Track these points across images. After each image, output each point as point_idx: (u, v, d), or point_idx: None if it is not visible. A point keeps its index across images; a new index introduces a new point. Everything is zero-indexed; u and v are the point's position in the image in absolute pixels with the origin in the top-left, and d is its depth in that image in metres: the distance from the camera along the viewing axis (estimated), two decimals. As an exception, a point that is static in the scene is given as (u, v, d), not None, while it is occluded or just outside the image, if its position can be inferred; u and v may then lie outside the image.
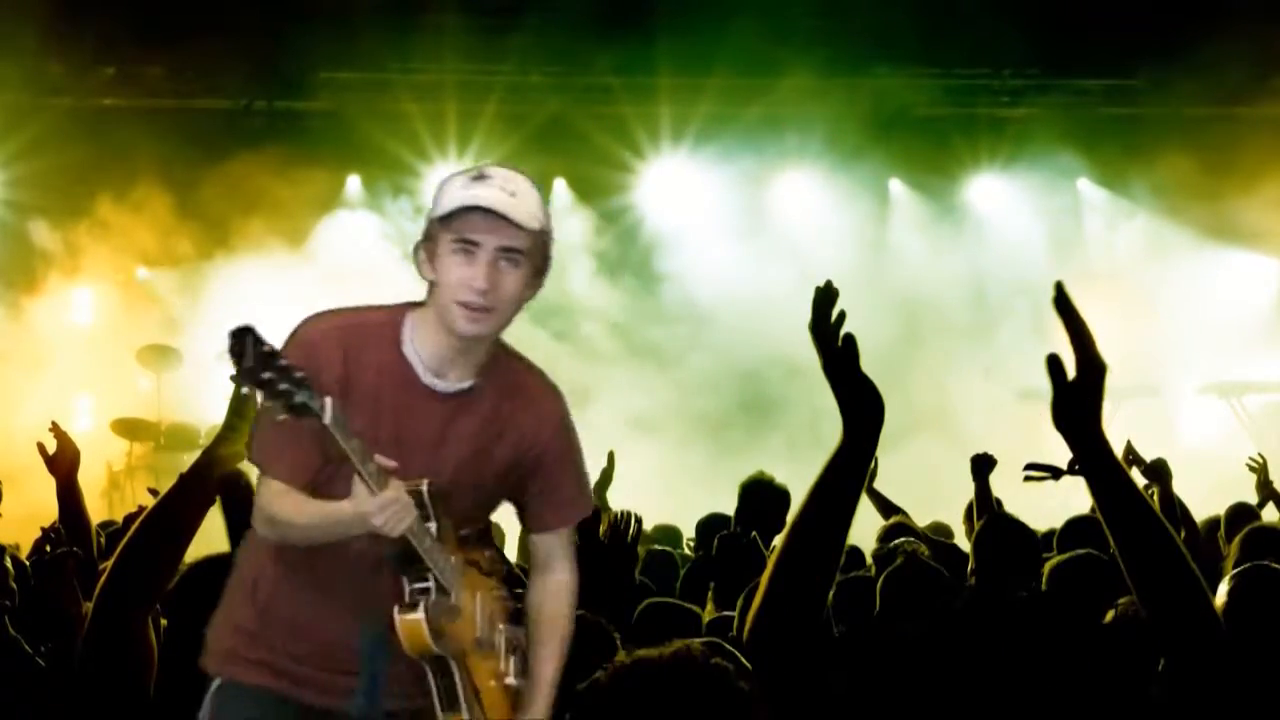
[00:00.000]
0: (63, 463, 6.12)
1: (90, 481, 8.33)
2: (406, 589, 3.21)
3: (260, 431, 3.32)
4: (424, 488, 3.20)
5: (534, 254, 3.28)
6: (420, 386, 3.31)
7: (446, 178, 3.32)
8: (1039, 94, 15.04)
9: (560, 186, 15.25)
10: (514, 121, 13.84)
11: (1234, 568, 4.43)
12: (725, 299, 14.72)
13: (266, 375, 2.85)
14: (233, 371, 2.91)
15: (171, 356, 14.33)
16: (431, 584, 3.20)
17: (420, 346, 3.32)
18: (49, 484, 6.18)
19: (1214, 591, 3.66)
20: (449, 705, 3.24)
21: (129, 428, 14.07)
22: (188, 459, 5.07)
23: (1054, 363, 3.24)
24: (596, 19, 12.65)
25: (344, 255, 14.44)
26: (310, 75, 14.51)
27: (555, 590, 3.56)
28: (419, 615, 3.18)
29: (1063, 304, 3.23)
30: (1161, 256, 15.05)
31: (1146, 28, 13.40)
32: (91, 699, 4.06)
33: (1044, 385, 3.25)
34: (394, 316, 3.36)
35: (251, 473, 3.82)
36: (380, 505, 3.06)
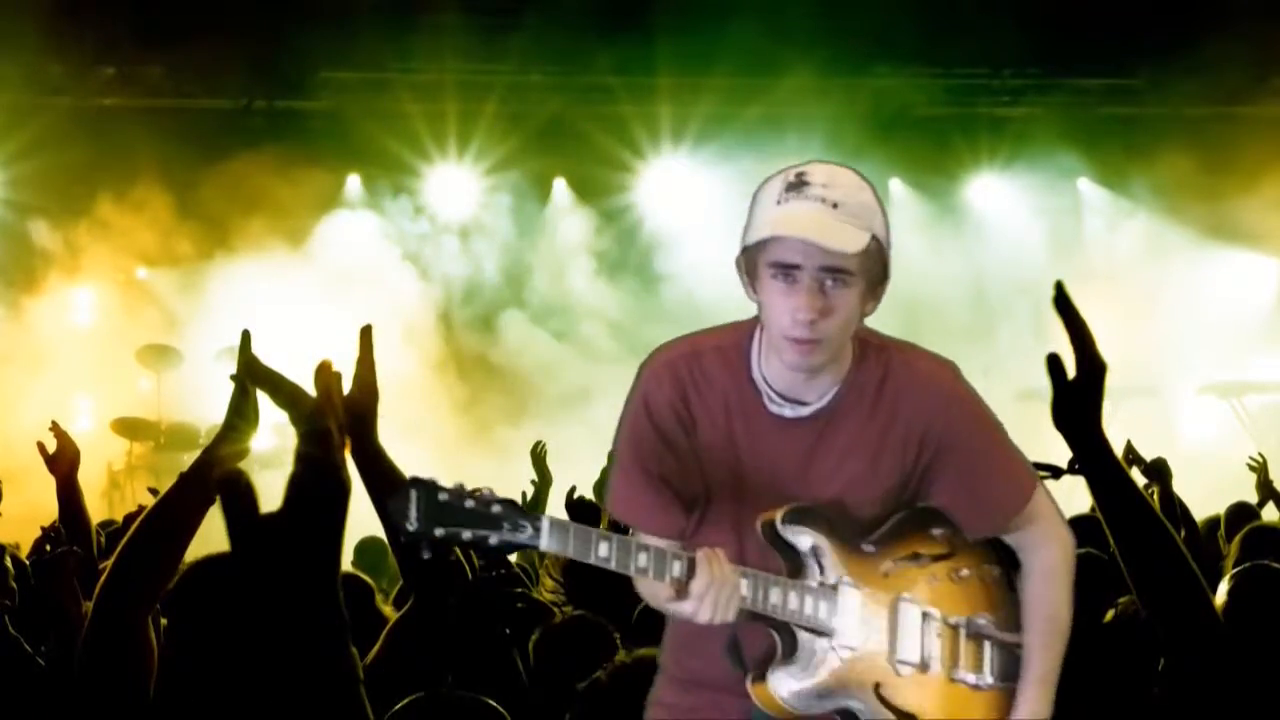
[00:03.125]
0: (63, 462, 6.12)
1: (90, 481, 8.33)
2: (748, 656, 2.86)
3: (617, 486, 3.05)
4: (777, 518, 2.81)
5: (867, 267, 2.80)
6: (770, 416, 2.90)
7: (763, 183, 2.92)
8: (1039, 94, 15.05)
9: (560, 186, 15.25)
10: (514, 121, 13.84)
11: (1234, 567, 4.43)
12: (725, 299, 14.63)
13: (441, 533, 2.55)
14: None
15: (171, 356, 14.33)
16: (779, 641, 2.81)
17: (768, 371, 2.91)
18: (49, 484, 6.18)
19: (1214, 591, 3.66)
20: None
21: (129, 428, 14.07)
22: (188, 459, 5.08)
23: (1054, 362, 3.24)
24: (596, 19, 12.65)
25: (344, 255, 14.43)
26: (310, 75, 14.51)
27: (1033, 572, 3.02)
28: (766, 685, 2.80)
29: (1063, 304, 3.23)
30: (1161, 256, 15.05)
31: (1146, 28, 13.40)
32: (91, 699, 4.05)
33: (1044, 385, 3.25)
34: (740, 338, 3.00)
35: (251, 472, 3.82)
36: (696, 600, 2.68)
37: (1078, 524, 6.03)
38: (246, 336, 4.05)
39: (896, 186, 15.66)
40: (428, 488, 2.60)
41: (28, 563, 5.81)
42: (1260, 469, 8.45)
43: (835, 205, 2.77)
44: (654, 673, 3.17)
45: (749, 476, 2.89)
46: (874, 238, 2.79)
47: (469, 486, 2.63)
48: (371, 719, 3.65)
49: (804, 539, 2.83)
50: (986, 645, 2.95)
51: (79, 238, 14.41)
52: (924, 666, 2.89)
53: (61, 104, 13.81)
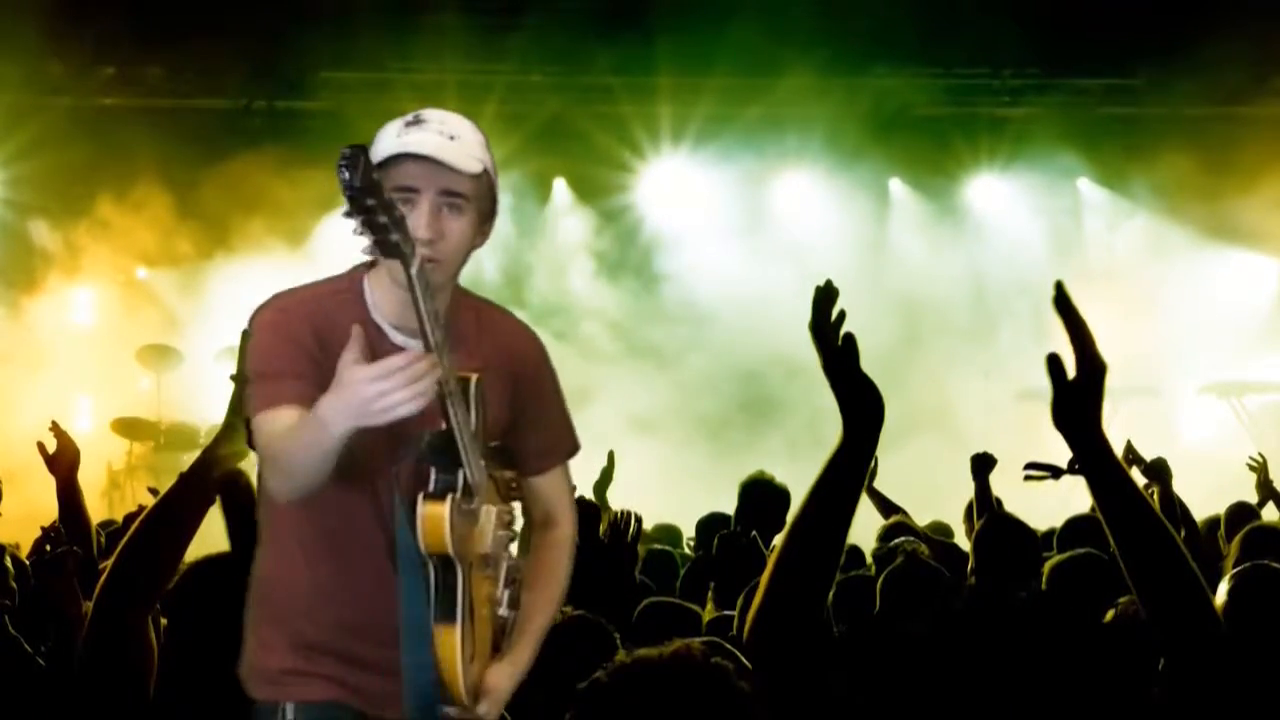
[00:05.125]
0: (63, 462, 6.12)
1: (90, 481, 8.34)
2: (434, 478, 2.98)
3: (262, 355, 3.11)
4: (473, 378, 3.04)
5: (478, 198, 3.11)
6: (392, 348, 3.08)
7: (384, 126, 3.11)
8: (1039, 94, 15.04)
9: (560, 186, 15.26)
10: (514, 121, 13.83)
11: (1234, 567, 4.43)
12: (725, 299, 14.72)
13: (371, 202, 2.66)
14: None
15: (171, 356, 14.33)
16: (460, 480, 2.99)
17: (382, 306, 3.17)
18: (49, 484, 6.18)
19: (1214, 591, 3.66)
20: (445, 614, 2.99)
21: (129, 428, 14.08)
22: (188, 459, 5.07)
23: (1054, 362, 3.24)
24: (596, 19, 12.65)
25: (344, 255, 14.37)
26: (310, 75, 14.51)
27: (555, 542, 3.43)
28: (444, 507, 2.94)
29: (1063, 304, 3.23)
30: (1161, 256, 15.06)
31: (1146, 28, 13.39)
32: (91, 699, 4.06)
33: (1044, 385, 3.25)
34: (352, 283, 3.22)
35: (252, 472, 3.82)
36: (433, 361, 2.81)
37: (1078, 524, 6.05)
38: (246, 337, 4.05)
39: (896, 186, 15.68)
40: (369, 160, 2.70)
41: (28, 563, 5.81)
42: (1260, 469, 8.45)
43: (452, 138, 3.05)
44: (654, 672, 3.16)
45: None
46: (485, 171, 3.11)
47: None
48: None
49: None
50: (513, 584, 3.28)
51: (79, 238, 14.42)
52: (495, 581, 3.21)
53: (61, 104, 13.80)
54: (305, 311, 3.14)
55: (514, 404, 3.29)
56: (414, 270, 2.79)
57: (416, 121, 3.06)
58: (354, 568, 3.16)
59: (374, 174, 2.68)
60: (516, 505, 3.34)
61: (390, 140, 3.04)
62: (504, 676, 3.22)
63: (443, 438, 2.96)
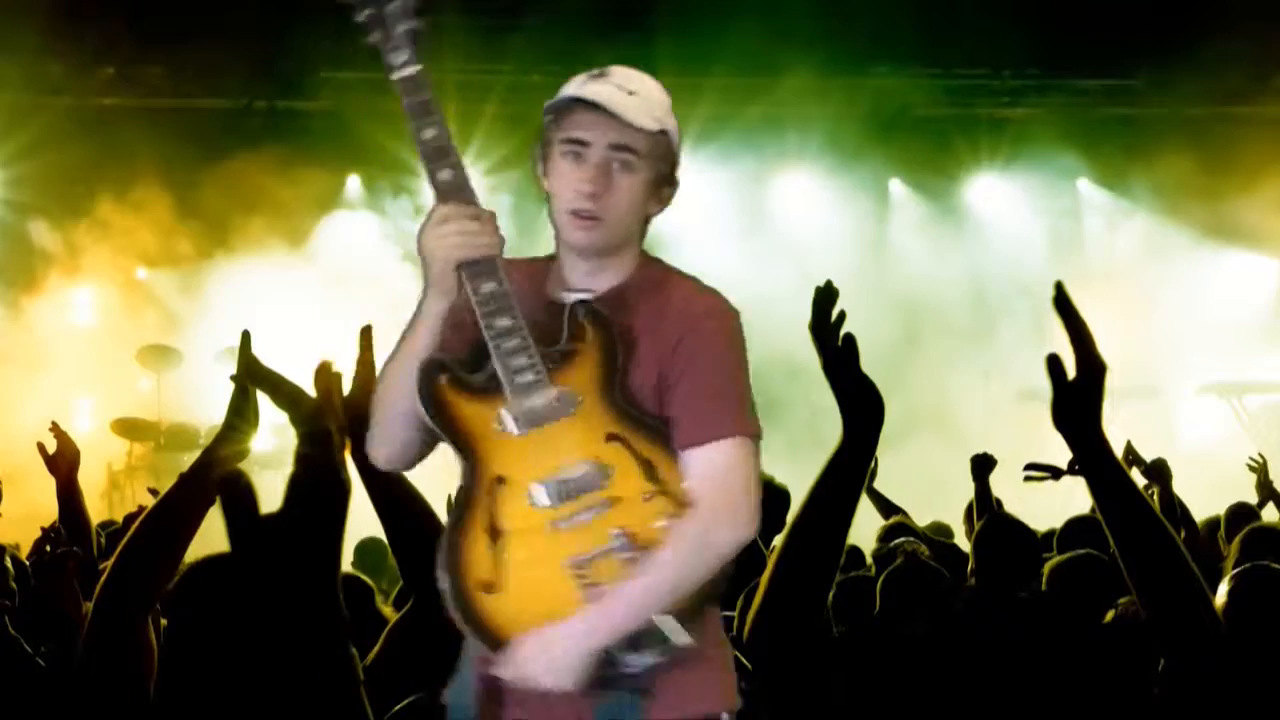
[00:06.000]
0: (63, 463, 6.12)
1: (90, 481, 8.34)
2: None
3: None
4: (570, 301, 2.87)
5: (654, 158, 2.92)
6: (549, 299, 2.94)
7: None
8: (1039, 94, 15.04)
9: (560, 186, 15.23)
10: (514, 121, 13.81)
11: (1234, 568, 4.43)
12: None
13: None
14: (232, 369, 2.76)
15: (171, 356, 14.32)
16: (528, 364, 2.78)
17: (562, 263, 3.01)
18: (49, 484, 6.18)
19: (1214, 591, 3.66)
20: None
21: (129, 428, 14.07)
22: (188, 459, 5.08)
23: (1054, 363, 3.24)
24: (596, 19, 12.63)
25: (344, 255, 14.43)
26: (310, 75, 14.49)
27: (674, 527, 2.82)
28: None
29: (1063, 304, 3.24)
30: (1161, 256, 15.06)
31: (1146, 28, 13.40)
32: (91, 699, 4.05)
33: (1044, 386, 3.25)
34: (542, 262, 3.08)
35: (251, 473, 3.82)
36: (448, 213, 2.82)
37: (1078, 524, 6.06)
38: (246, 337, 4.05)
39: (896, 186, 15.67)
40: None
41: (28, 563, 5.81)
42: (1260, 469, 8.44)
43: (631, 93, 2.92)
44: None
45: None
46: (664, 132, 2.93)
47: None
48: (371, 719, 3.65)
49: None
50: (621, 564, 2.78)
51: (79, 238, 14.41)
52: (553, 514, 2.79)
53: (61, 104, 13.79)
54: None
55: (666, 371, 2.88)
56: (399, 76, 2.83)
57: (600, 75, 2.96)
58: None
59: None
60: (636, 480, 2.84)
61: (568, 89, 2.96)
62: (543, 632, 2.75)
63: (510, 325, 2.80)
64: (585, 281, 2.94)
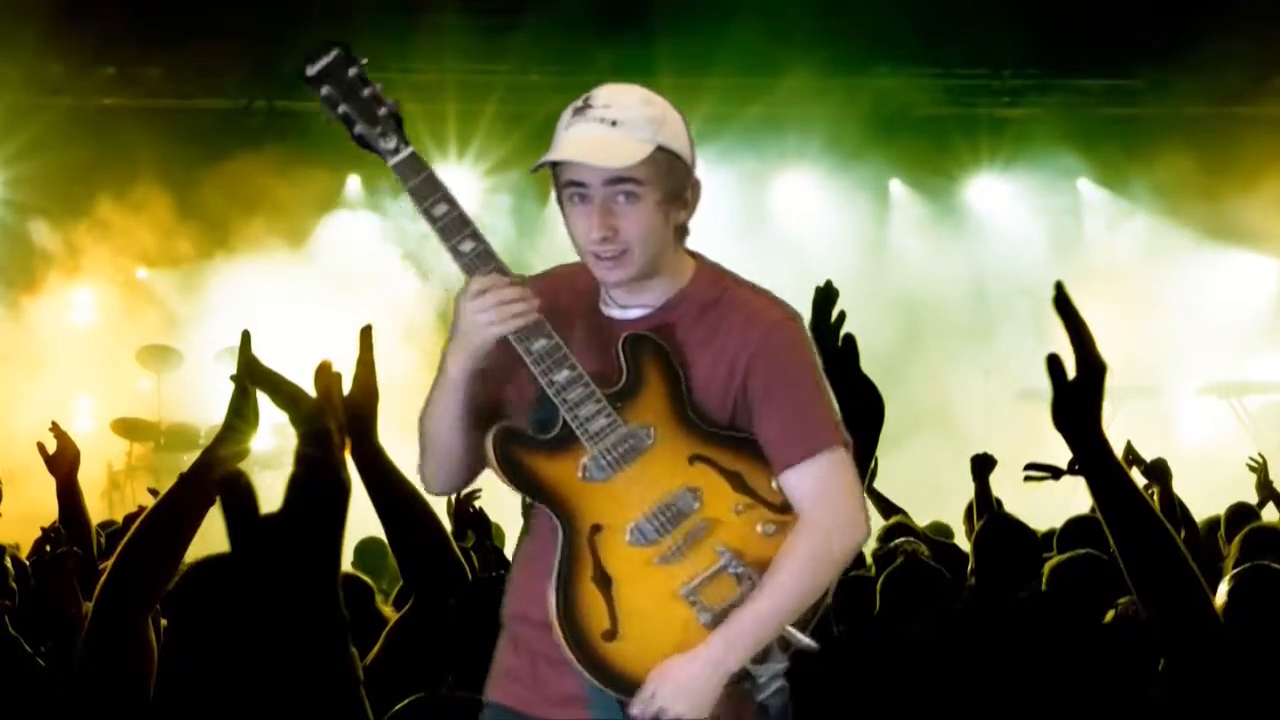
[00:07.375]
0: (63, 463, 6.12)
1: (90, 481, 8.33)
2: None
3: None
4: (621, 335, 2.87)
5: (657, 178, 2.85)
6: (604, 320, 2.94)
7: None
8: (1039, 94, 15.04)
9: (560, 186, 15.23)
10: (514, 121, 13.82)
11: (1234, 568, 4.43)
12: (725, 299, 14.70)
13: (326, 90, 2.76)
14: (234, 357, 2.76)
15: (171, 356, 14.32)
16: (559, 420, 2.80)
17: None
18: (49, 484, 6.18)
19: (1214, 591, 3.66)
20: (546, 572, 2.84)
21: (129, 428, 14.07)
22: (188, 459, 5.08)
23: (1054, 363, 3.25)
24: (596, 19, 12.64)
25: (344, 255, 14.42)
26: (310, 75, 14.50)
27: (786, 543, 2.83)
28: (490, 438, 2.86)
29: (1063, 304, 3.24)
30: (1161, 256, 15.06)
31: (1146, 28, 13.40)
32: (91, 699, 4.06)
33: (1044, 385, 3.25)
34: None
35: (251, 473, 3.82)
36: (485, 284, 2.77)
37: (1078, 524, 6.06)
38: (246, 337, 4.05)
39: (896, 186, 15.67)
40: (347, 57, 2.78)
41: (28, 563, 5.81)
42: (1260, 469, 8.45)
43: (614, 123, 2.85)
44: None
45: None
46: (660, 148, 2.85)
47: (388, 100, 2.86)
48: (371, 719, 3.65)
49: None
50: (734, 581, 2.81)
51: (79, 238, 14.40)
52: (680, 566, 2.81)
53: (61, 104, 13.79)
54: (537, 289, 2.90)
55: (741, 389, 2.87)
56: (393, 162, 2.81)
57: (582, 109, 2.89)
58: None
59: (349, 72, 2.74)
60: (723, 500, 2.86)
61: (557, 137, 2.91)
62: (671, 665, 2.78)
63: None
64: (635, 299, 2.93)
